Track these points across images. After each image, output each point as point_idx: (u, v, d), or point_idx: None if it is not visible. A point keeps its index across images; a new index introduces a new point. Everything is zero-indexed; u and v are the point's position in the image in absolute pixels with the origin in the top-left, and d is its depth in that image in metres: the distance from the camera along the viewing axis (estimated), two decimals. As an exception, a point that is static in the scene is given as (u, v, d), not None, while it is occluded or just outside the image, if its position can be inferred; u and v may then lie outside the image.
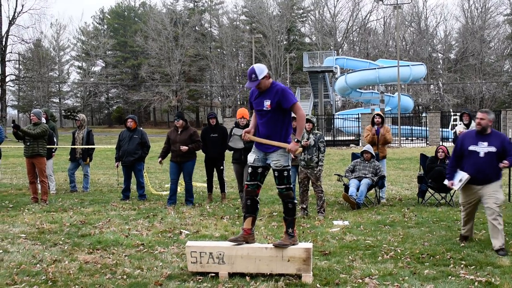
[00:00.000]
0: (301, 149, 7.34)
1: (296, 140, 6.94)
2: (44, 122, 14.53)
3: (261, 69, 6.85)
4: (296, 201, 7.19)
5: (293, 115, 7.07)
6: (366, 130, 13.85)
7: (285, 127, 7.01)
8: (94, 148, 15.93)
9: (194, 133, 12.81)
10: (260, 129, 7.08)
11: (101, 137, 56.91)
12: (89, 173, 15.94)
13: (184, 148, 12.46)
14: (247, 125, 11.59)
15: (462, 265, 7.26)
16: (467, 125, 12.85)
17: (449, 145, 33.13)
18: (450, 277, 6.74)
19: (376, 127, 13.54)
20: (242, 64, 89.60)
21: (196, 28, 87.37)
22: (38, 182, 13.51)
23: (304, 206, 11.43)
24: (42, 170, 13.21)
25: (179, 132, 12.73)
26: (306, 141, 11.25)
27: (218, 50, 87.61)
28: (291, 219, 7.02)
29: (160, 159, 13.15)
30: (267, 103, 6.93)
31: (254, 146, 7.15)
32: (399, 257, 7.73)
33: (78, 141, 15.50)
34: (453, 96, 72.53)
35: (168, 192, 13.58)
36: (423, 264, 7.36)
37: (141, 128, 14.26)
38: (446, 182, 8.90)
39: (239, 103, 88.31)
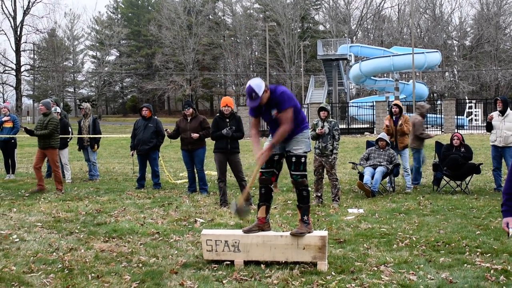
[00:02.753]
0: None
1: (272, 144, 6.89)
2: (54, 112, 14.63)
3: (259, 86, 6.68)
4: (310, 189, 7.18)
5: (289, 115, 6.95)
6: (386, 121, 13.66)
7: (297, 119, 6.98)
8: (100, 136, 16.14)
9: (204, 121, 12.85)
10: (275, 128, 7.02)
11: (116, 126, 57.13)
12: (96, 160, 16.06)
13: (195, 135, 12.48)
14: (232, 114, 11.50)
15: (477, 253, 7.22)
16: (502, 112, 12.64)
17: (464, 132, 33.00)
18: (465, 265, 6.72)
19: (394, 117, 13.37)
20: (256, 53, 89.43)
21: (210, 16, 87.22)
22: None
23: (319, 194, 11.44)
24: (54, 161, 13.41)
25: (188, 121, 12.76)
26: (320, 129, 11.24)
27: (232, 38, 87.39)
28: (305, 206, 7.01)
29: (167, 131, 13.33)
30: (273, 112, 6.88)
31: (271, 135, 7.12)
32: (414, 245, 7.71)
33: (85, 129, 15.68)
34: (468, 83, 72.03)
35: (183, 180, 13.61)
36: (439, 252, 7.34)
37: (156, 117, 14.29)
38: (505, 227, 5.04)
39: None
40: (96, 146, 15.72)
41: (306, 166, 7.03)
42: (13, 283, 6.22)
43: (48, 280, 6.29)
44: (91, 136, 15.59)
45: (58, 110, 15.71)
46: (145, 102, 62.85)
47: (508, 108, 12.57)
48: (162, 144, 14.23)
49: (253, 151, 7.06)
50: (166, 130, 13.44)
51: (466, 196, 12.05)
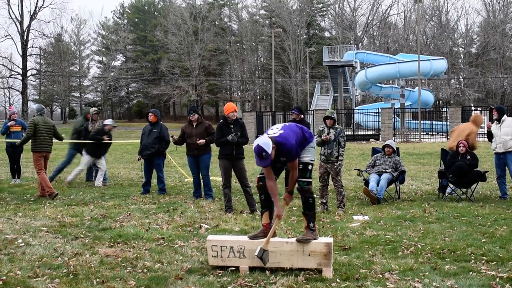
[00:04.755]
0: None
1: (289, 192, 7.07)
2: (100, 125, 14.79)
3: (267, 144, 6.61)
4: (315, 196, 7.20)
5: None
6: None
7: (304, 141, 7.09)
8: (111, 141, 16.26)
9: (209, 126, 12.90)
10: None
11: (121, 131, 57.18)
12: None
13: (201, 141, 12.50)
14: (236, 120, 11.50)
15: (483, 261, 7.20)
16: (498, 120, 12.67)
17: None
18: (471, 272, 6.69)
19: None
20: (262, 59, 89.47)
21: (216, 22, 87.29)
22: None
23: (324, 201, 11.43)
24: (34, 165, 13.37)
25: (194, 126, 12.78)
26: (326, 136, 11.24)
27: (238, 44, 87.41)
28: (311, 213, 7.03)
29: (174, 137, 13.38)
30: (283, 159, 6.92)
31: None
32: (419, 253, 7.69)
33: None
34: (474, 90, 71.90)
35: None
36: (444, 260, 7.32)
37: (162, 122, 14.32)
38: None
39: (258, 97, 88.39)
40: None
41: (311, 173, 7.05)
42: (19, 287, 6.23)
43: (53, 285, 6.30)
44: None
45: (109, 122, 15.80)
46: (150, 108, 62.89)
47: (505, 115, 12.60)
48: (166, 149, 14.21)
49: (274, 207, 7.07)
50: (172, 136, 13.46)
51: (471, 204, 12.02)
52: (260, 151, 6.56)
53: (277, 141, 6.75)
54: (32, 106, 16.35)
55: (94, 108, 16.63)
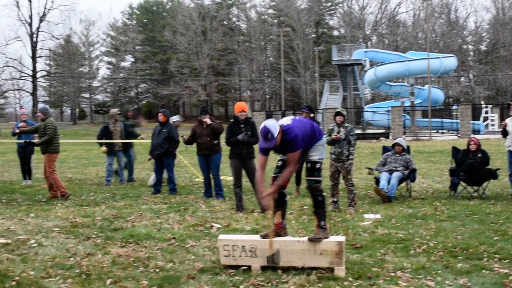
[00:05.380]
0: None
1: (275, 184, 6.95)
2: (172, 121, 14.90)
3: (274, 127, 6.67)
4: (324, 194, 7.19)
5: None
6: None
7: (309, 143, 7.06)
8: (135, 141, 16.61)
9: (219, 123, 12.93)
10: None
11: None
12: (123, 165, 16.34)
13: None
14: (246, 119, 11.55)
15: (495, 259, 7.18)
16: None
17: (481, 137, 32.83)
18: (483, 271, 6.68)
19: None
20: (271, 58, 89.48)
21: (224, 22, 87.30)
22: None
23: (335, 200, 11.41)
24: (49, 166, 13.31)
25: (204, 126, 12.80)
26: (336, 135, 11.23)
27: (246, 44, 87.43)
28: (322, 211, 7.02)
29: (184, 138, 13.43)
30: (289, 150, 6.89)
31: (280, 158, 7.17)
32: (431, 251, 7.67)
33: (116, 134, 15.82)
34: (484, 88, 71.68)
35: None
36: (456, 258, 7.30)
37: (171, 122, 14.36)
38: None
39: (267, 97, 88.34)
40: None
41: (320, 172, 7.05)
42: (31, 287, 6.27)
43: (66, 285, 6.33)
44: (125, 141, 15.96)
45: (176, 118, 15.98)
46: (160, 108, 62.96)
47: None
48: (175, 149, 14.21)
49: (257, 193, 7.05)
50: (182, 136, 13.48)
51: (483, 202, 11.97)
52: (266, 132, 6.63)
53: (284, 129, 6.79)
54: (40, 106, 16.31)
55: (115, 110, 16.74)
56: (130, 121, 17.05)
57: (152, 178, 15.31)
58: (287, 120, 6.99)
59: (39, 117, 13.61)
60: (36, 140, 13.41)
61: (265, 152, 6.91)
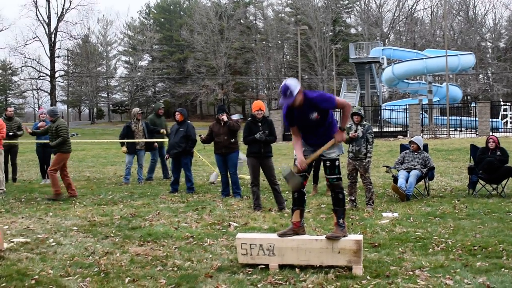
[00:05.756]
0: (346, 136, 7.22)
1: (340, 128, 7.00)
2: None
3: (294, 85, 6.67)
4: (345, 192, 7.18)
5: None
6: None
7: (332, 124, 7.06)
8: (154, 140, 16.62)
9: (236, 121, 12.95)
10: (312, 139, 7.07)
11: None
12: (144, 163, 16.44)
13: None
14: (264, 118, 11.56)
15: (515, 257, 7.13)
16: None
17: (499, 135, 32.61)
18: (503, 269, 6.63)
19: None
20: (288, 56, 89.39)
21: (241, 21, 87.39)
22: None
23: (353, 198, 11.38)
24: (55, 164, 13.32)
25: (222, 125, 12.81)
26: (353, 133, 11.20)
27: (264, 42, 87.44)
28: (341, 209, 7.02)
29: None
30: (314, 115, 6.87)
31: (305, 144, 7.14)
32: (450, 249, 7.63)
33: (138, 133, 15.92)
34: (503, 85, 71.18)
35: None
36: (475, 256, 7.25)
37: (189, 121, 14.38)
38: None
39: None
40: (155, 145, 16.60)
41: (340, 169, 7.04)
42: (51, 286, 6.31)
43: (85, 284, 6.36)
44: (146, 140, 16.11)
45: (237, 117, 15.85)
46: (177, 107, 63.23)
47: None
48: (193, 148, 14.23)
49: (297, 157, 7.03)
50: (200, 135, 13.51)
51: (502, 200, 11.89)
52: (285, 89, 6.66)
53: (305, 91, 6.86)
54: (47, 108, 16.37)
55: (138, 109, 16.81)
56: (162, 119, 17.10)
57: (213, 175, 15.43)
58: None
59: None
60: (51, 142, 13.43)
61: (287, 121, 7.03)
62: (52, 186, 13.26)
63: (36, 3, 71.03)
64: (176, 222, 9.89)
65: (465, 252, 7.47)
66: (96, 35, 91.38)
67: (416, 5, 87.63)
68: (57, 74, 75.40)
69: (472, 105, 45.42)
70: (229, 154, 12.75)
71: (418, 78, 58.89)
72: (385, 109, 45.78)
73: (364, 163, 11.26)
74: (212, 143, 13.11)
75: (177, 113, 14.17)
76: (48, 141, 15.37)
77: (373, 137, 11.42)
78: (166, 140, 15.78)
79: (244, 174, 15.95)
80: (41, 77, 78.52)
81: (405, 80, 52.34)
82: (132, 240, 8.53)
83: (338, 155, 7.07)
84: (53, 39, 71.30)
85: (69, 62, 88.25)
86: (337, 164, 7.03)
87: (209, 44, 79.49)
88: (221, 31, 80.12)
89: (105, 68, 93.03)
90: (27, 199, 13.15)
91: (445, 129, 38.91)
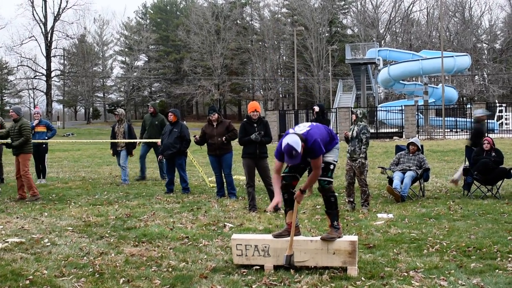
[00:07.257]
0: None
1: (300, 190, 6.97)
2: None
3: (297, 143, 6.58)
4: (336, 194, 7.18)
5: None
6: None
7: (331, 142, 7.14)
8: (136, 142, 16.46)
9: (230, 124, 12.89)
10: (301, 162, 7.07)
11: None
12: (127, 165, 16.26)
13: (223, 139, 12.51)
14: (259, 119, 11.55)
15: (509, 258, 7.14)
16: None
17: (495, 136, 32.66)
18: (497, 270, 6.65)
19: None
20: (284, 57, 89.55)
21: (238, 21, 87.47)
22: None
23: (351, 199, 11.29)
24: (25, 166, 13.20)
25: (215, 126, 12.77)
26: (346, 132, 11.26)
27: (260, 43, 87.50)
28: (334, 212, 7.03)
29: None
30: (308, 159, 6.91)
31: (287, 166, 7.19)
32: (444, 250, 7.64)
33: (120, 135, 15.91)
34: (499, 86, 71.30)
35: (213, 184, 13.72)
36: (470, 258, 7.26)
37: (184, 122, 14.38)
38: None
39: (281, 96, 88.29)
40: (132, 152, 16.27)
41: (333, 173, 7.07)
42: (45, 286, 6.30)
43: (79, 284, 6.35)
44: (127, 140, 15.94)
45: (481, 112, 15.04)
46: (173, 107, 63.37)
47: None
48: (187, 149, 14.21)
49: (274, 196, 7.08)
50: (194, 136, 13.50)
51: (497, 201, 11.91)
52: (290, 150, 6.55)
53: (305, 137, 6.75)
54: (17, 106, 16.17)
55: (121, 110, 16.80)
56: (158, 118, 17.04)
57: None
58: (304, 127, 6.97)
59: (12, 116, 13.50)
60: (13, 143, 13.29)
61: (281, 158, 6.91)
62: (28, 188, 13.13)
63: (32, 2, 70.85)
64: (171, 223, 9.88)
65: (460, 253, 7.48)
66: (92, 35, 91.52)
67: (412, 7, 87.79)
68: (53, 74, 75.21)
69: (467, 106, 45.47)
70: (223, 155, 12.71)
71: (414, 79, 58.93)
72: (381, 110, 45.83)
73: (358, 164, 11.18)
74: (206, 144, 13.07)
75: (170, 113, 14.14)
76: (41, 140, 15.39)
77: (368, 138, 11.24)
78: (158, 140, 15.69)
79: (240, 175, 15.95)
80: (37, 77, 78.36)
81: (401, 81, 52.39)
82: (127, 241, 8.53)
83: (334, 161, 7.08)
84: (49, 38, 71.12)
85: (65, 62, 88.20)
86: (331, 168, 7.03)
87: (205, 44, 79.55)
88: (218, 32, 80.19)
89: (101, 68, 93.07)
90: (22, 199, 13.11)
91: (440, 130, 38.95)
